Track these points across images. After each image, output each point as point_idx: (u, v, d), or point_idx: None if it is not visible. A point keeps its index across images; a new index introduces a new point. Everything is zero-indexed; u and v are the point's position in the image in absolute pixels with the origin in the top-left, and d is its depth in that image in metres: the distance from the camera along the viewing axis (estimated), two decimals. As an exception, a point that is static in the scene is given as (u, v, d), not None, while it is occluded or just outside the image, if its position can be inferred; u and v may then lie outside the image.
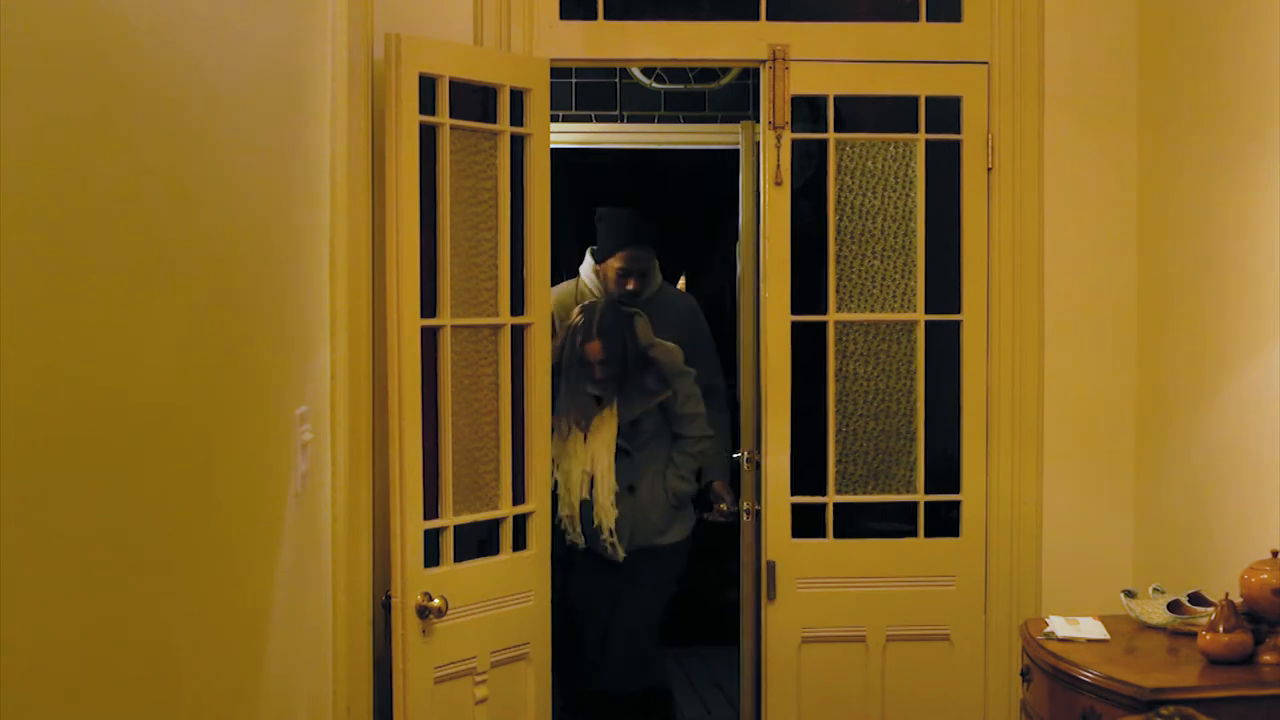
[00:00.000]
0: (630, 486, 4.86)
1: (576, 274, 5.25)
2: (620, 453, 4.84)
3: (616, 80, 6.57)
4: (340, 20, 3.31)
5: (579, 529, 4.81)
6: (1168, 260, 4.18)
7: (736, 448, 4.87)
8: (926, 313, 4.37)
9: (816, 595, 4.35)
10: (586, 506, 4.80)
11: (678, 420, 4.90)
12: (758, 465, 4.82)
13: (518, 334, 4.01)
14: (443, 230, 3.78)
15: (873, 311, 4.38)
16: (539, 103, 4.04)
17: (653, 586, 4.90)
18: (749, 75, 6.34)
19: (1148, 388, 4.30)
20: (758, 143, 5.10)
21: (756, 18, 4.31)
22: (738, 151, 5.00)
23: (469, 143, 3.88)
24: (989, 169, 4.33)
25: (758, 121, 4.51)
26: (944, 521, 4.43)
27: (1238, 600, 3.31)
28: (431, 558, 3.77)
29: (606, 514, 4.78)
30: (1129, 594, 3.69)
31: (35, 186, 1.43)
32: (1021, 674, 3.65)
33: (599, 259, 5.16)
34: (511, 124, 3.96)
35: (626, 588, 4.86)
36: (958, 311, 4.36)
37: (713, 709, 5.78)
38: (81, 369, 1.58)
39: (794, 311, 4.31)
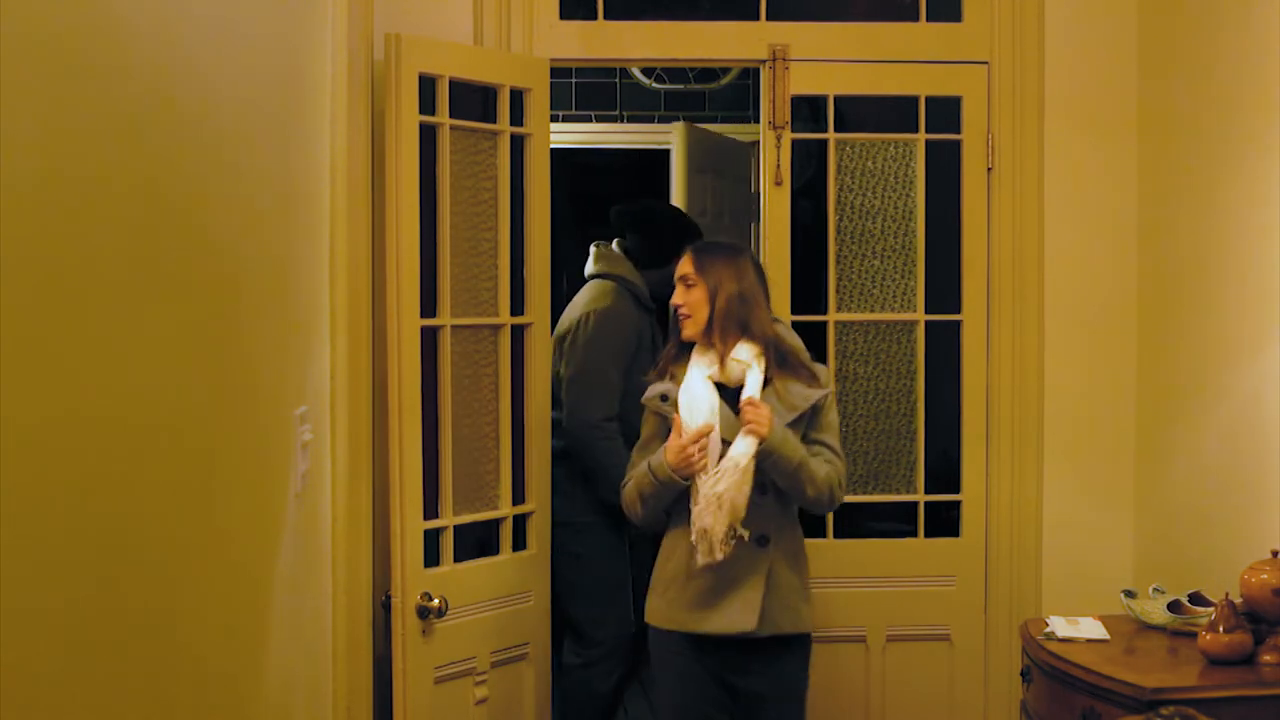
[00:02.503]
0: (762, 538, 3.56)
1: (593, 277, 4.64)
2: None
3: (616, 80, 6.57)
4: (340, 20, 3.31)
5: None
6: (1168, 260, 4.18)
7: None
8: (926, 313, 4.37)
9: (817, 595, 4.33)
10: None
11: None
12: None
13: (518, 334, 4.02)
14: (443, 230, 3.78)
15: (873, 311, 4.38)
16: (539, 103, 4.04)
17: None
18: (749, 75, 6.34)
19: (1148, 387, 4.30)
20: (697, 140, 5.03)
21: (756, 18, 4.31)
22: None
23: (469, 143, 3.88)
24: (989, 169, 4.33)
25: (757, 121, 4.50)
26: (944, 521, 4.43)
27: (1238, 600, 3.31)
28: (431, 558, 3.77)
29: (736, 516, 3.46)
30: (1129, 594, 3.69)
31: (34, 187, 1.43)
32: (1022, 674, 3.64)
33: (661, 263, 4.38)
34: (511, 124, 3.96)
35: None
36: (958, 311, 4.36)
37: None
38: (81, 369, 1.58)
39: (794, 311, 4.31)
